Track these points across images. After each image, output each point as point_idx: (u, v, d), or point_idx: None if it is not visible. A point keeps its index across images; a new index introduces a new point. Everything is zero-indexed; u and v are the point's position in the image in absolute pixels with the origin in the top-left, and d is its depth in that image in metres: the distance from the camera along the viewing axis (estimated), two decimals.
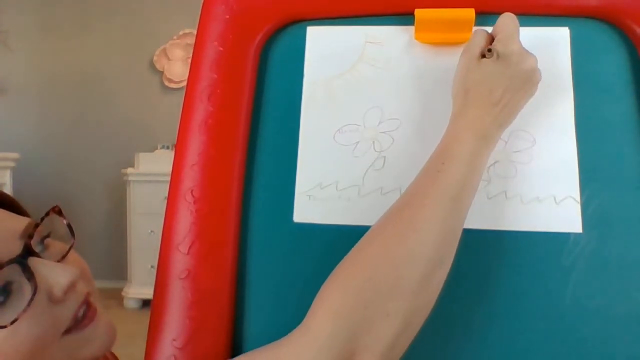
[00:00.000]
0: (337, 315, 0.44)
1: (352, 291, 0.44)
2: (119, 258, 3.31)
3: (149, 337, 0.55)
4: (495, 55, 0.51)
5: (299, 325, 0.46)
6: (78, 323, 0.44)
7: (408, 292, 0.44)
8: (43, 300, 0.41)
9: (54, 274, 0.42)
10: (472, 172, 0.49)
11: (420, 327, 0.46)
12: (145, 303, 3.14)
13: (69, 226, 0.47)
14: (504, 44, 0.52)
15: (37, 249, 0.43)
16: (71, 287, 0.42)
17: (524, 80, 0.51)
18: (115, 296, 3.20)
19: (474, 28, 0.56)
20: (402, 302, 0.44)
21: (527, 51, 0.52)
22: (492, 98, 0.50)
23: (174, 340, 0.53)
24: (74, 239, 0.47)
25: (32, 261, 0.42)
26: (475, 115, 0.50)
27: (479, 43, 0.53)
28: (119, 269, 3.32)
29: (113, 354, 0.58)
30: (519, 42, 0.52)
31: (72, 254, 0.47)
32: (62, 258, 0.45)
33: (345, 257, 0.47)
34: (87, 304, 0.45)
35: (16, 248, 0.42)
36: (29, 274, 0.41)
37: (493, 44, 0.52)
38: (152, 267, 2.93)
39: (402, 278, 0.44)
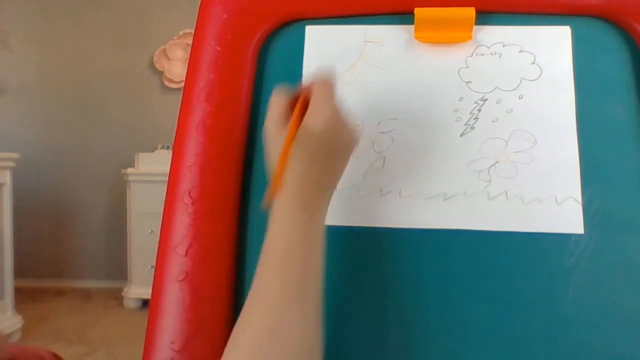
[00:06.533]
0: None
1: None
2: (119, 258, 3.31)
3: (146, 340, 0.54)
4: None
5: None
6: None
7: None
8: None
9: None
10: (298, 245, 0.45)
11: None
12: (145, 303, 3.13)
13: None
14: (315, 120, 0.45)
15: None
16: None
17: (337, 154, 0.47)
18: (115, 296, 3.20)
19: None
20: None
21: (341, 119, 0.47)
22: (306, 177, 0.46)
23: (171, 342, 0.53)
24: None
25: None
26: (292, 193, 0.46)
27: (279, 111, 0.48)
28: (119, 269, 3.32)
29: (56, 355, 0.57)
30: (332, 108, 0.46)
31: None
32: None
33: None
34: None
35: None
36: None
37: (304, 118, 0.46)
38: (152, 267, 2.91)
39: None
